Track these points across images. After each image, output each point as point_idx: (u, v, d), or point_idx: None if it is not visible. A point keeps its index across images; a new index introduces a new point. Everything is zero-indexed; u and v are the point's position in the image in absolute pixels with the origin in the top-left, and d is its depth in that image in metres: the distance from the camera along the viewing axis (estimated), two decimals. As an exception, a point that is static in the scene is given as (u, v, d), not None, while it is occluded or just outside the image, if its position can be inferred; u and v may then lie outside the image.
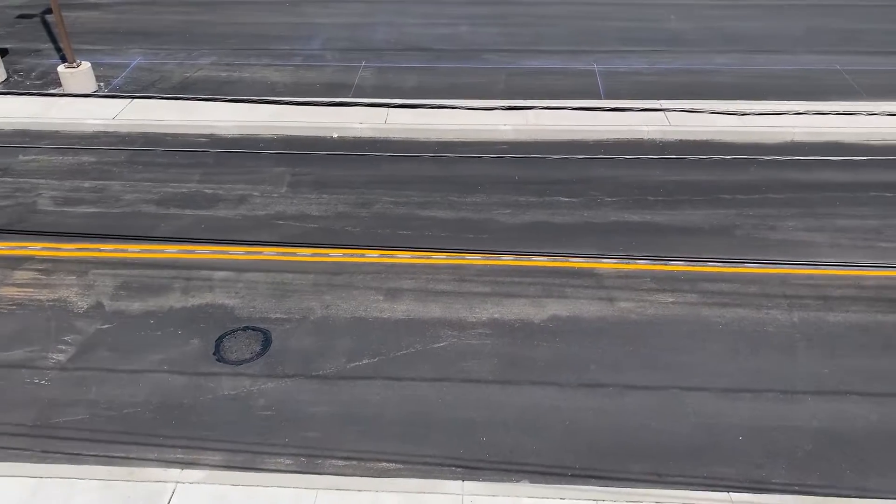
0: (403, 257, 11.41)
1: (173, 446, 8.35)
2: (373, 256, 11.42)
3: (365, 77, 17.34)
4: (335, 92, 16.52)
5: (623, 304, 10.59)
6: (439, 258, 11.43)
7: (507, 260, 11.43)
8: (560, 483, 7.88)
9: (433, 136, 14.99)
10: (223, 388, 9.12)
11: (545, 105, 15.55)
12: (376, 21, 20.74)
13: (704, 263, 11.33)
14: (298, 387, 9.15)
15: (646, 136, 14.81)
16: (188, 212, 12.65)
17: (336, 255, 11.43)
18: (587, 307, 10.53)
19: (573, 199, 12.98)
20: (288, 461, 8.19)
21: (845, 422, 8.73)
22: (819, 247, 11.66)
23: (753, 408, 8.90)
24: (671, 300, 10.64)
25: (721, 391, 9.13)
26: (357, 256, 11.42)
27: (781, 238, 11.92)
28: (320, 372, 9.35)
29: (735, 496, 7.74)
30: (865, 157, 13.11)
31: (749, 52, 18.18)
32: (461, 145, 14.71)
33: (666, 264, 11.35)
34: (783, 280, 10.98)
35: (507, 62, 18.02)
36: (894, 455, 8.30)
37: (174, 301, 10.58)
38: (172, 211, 12.67)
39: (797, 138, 14.55)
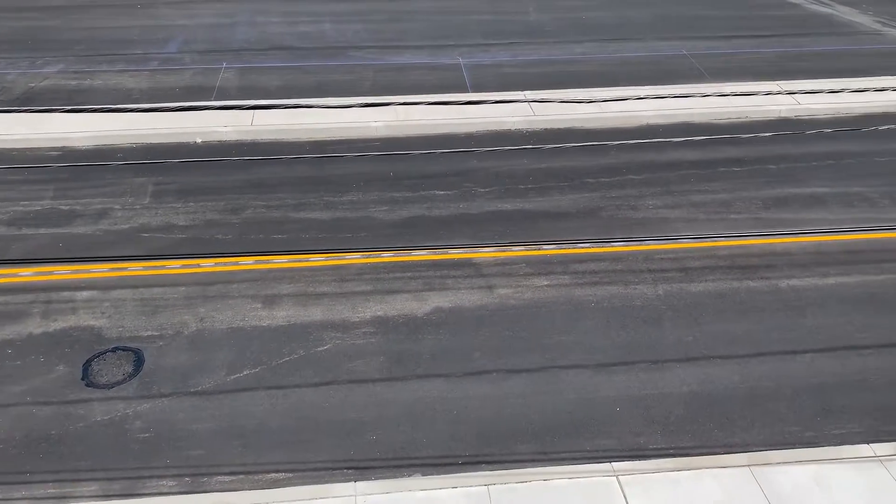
0: (280, 262, 11.18)
1: (43, 482, 7.80)
2: (247, 263, 11.12)
3: (227, 79, 16.82)
4: (196, 96, 15.93)
5: (502, 291, 10.85)
6: (318, 260, 11.28)
7: (387, 256, 11.44)
8: (451, 472, 8.00)
9: (303, 137, 14.76)
10: (95, 414, 8.62)
11: (414, 100, 15.66)
12: (236, 21, 20.15)
13: (574, 245, 11.79)
14: (177, 405, 8.78)
15: (513, 127, 15.23)
16: (43, 231, 11.83)
17: (208, 265, 11.05)
18: (468, 297, 10.72)
19: (448, 192, 13.16)
20: (171, 483, 7.85)
21: (711, 384, 9.35)
22: (677, 222, 12.41)
23: (628, 379, 9.38)
24: (546, 283, 11.01)
25: (597, 366, 9.55)
26: (230, 265, 11.08)
27: (643, 216, 12.59)
28: (199, 388, 9.02)
29: (617, 465, 8.12)
30: (713, 136, 14.04)
31: (604, 40, 19.06)
32: (333, 144, 14.58)
33: (539, 249, 11.73)
34: (647, 256, 11.61)
35: (373, 59, 18.01)
36: (754, 410, 8.98)
37: (34, 327, 9.88)
38: (25, 231, 11.82)
39: (651, 121, 15.42)
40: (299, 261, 11.23)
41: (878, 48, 18.67)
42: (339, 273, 11.04)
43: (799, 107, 15.81)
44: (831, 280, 11.11)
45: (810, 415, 8.92)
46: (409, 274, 11.08)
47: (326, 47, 18.62)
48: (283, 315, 10.20)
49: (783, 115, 15.70)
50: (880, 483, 7.91)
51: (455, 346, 9.81)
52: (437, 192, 13.11)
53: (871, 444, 8.36)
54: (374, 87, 16.62)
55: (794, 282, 11.06)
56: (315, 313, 10.25)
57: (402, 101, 15.65)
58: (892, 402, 9.09)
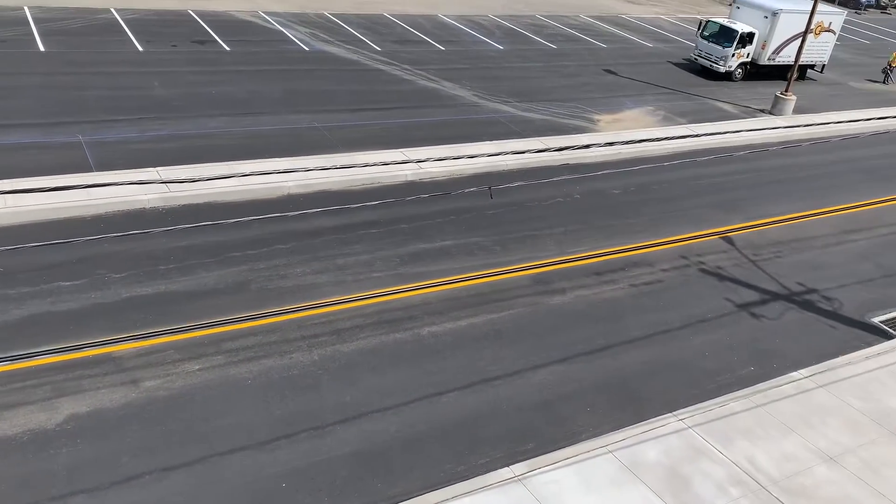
0: None
1: None
2: None
3: None
4: None
5: (149, 384, 10.05)
6: None
7: (3, 366, 9.88)
8: None
9: None
10: None
11: (27, 185, 13.96)
12: None
13: (226, 323, 11.45)
14: None
15: (147, 206, 14.40)
16: None
17: None
18: (110, 397, 9.72)
19: (77, 282, 11.88)
20: None
21: (371, 440, 9.71)
22: (326, 286, 12.80)
23: (291, 452, 9.29)
24: (198, 367, 10.49)
25: (260, 445, 9.30)
26: None
27: (293, 284, 12.75)
28: None
29: (287, 543, 7.94)
30: (351, 202, 14.77)
31: (237, 114, 19.11)
32: (-81, 241, 12.23)
33: (188, 332, 11.15)
34: (300, 323, 11.75)
35: (-31, 139, 15.68)
36: (412, 456, 9.53)
37: None
38: None
39: (292, 191, 15.80)
40: None
41: (477, 117, 21.62)
42: (-62, 394, 9.21)
43: (422, 171, 17.54)
44: (463, 322, 12.39)
45: (460, 450, 9.75)
46: (32, 382, 9.68)
47: None
48: None
49: (409, 178, 17.27)
50: (522, 500, 8.91)
51: (98, 454, 8.79)
52: (62, 284, 11.75)
53: (510, 467, 9.40)
54: (-28, 171, 14.43)
55: (433, 328, 12.09)
56: None
57: (10, 186, 13.85)
58: (522, 425, 10.37)
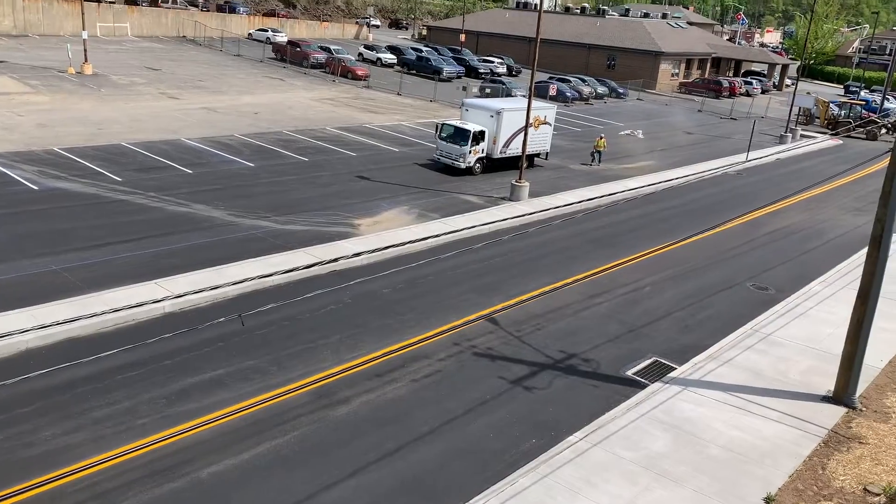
0: None
1: None
2: None
3: None
4: None
5: None
6: None
7: None
8: None
9: None
10: None
11: None
12: None
13: (-43, 515, 9.74)
14: None
15: None
16: None
17: None
18: None
19: None
20: None
21: None
22: (82, 446, 11.43)
23: None
24: (-76, 577, 8.73)
25: None
26: None
27: (42, 451, 11.24)
28: None
29: None
30: (104, 348, 13.53)
31: (-45, 269, 16.92)
32: None
33: None
34: (54, 495, 10.34)
35: None
36: None
37: None
38: None
39: (31, 345, 14.14)
40: None
41: (235, 236, 21.08)
42: None
43: (181, 300, 16.62)
44: (246, 455, 11.68)
45: None
46: None
47: None
48: None
49: (168, 310, 16.26)
50: None
51: None
52: None
53: None
54: None
55: (213, 469, 11.25)
56: None
57: None
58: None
